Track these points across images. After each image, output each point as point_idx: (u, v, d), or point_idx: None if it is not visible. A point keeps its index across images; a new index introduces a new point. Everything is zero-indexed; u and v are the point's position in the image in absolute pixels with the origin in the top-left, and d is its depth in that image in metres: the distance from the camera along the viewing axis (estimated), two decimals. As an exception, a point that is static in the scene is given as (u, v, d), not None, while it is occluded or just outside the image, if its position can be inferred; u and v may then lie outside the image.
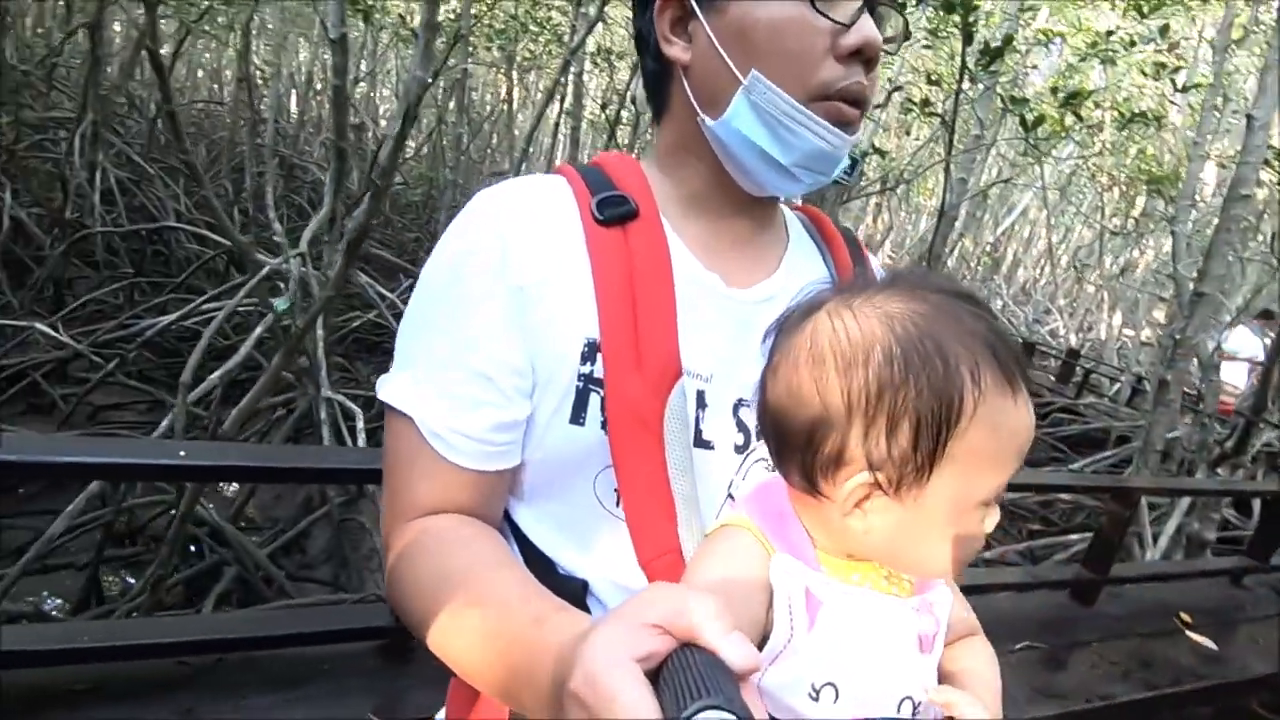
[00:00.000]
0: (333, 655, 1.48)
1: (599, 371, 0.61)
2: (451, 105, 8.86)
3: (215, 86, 13.85)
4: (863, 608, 0.54)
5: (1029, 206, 13.75)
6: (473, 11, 6.31)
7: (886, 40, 0.66)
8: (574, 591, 0.62)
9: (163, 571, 2.76)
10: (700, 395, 0.64)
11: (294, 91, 12.29)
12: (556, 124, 9.86)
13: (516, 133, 10.76)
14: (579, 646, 0.41)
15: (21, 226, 5.30)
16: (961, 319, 0.52)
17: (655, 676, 0.39)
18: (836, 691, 0.52)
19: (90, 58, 5.09)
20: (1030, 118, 3.31)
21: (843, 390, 0.51)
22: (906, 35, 0.73)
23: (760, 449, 0.65)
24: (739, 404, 0.66)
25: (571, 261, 0.63)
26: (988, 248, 14.24)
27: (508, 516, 0.67)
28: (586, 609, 0.62)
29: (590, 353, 0.61)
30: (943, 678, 0.60)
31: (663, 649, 0.40)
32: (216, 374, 3.32)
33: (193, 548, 3.31)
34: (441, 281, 0.63)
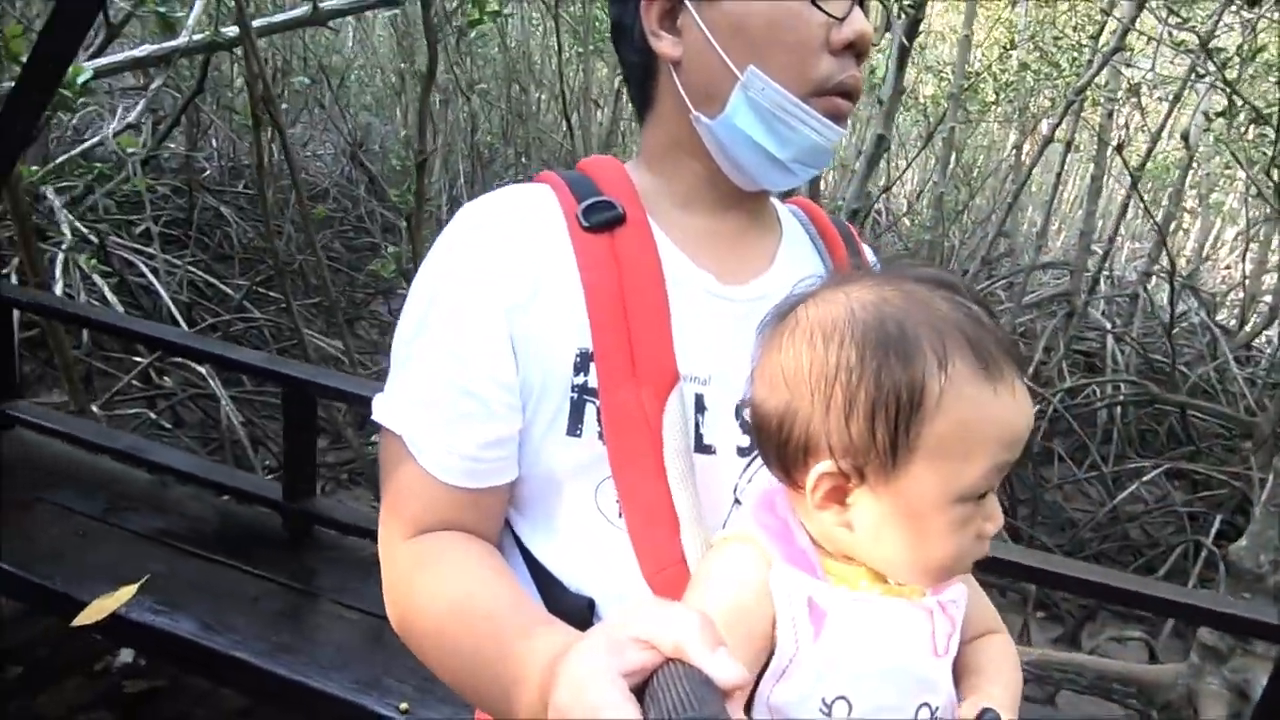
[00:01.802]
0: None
1: (593, 381, 0.60)
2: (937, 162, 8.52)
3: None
4: (871, 614, 0.52)
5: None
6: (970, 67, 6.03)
7: None
8: (580, 610, 0.60)
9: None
10: (699, 399, 0.62)
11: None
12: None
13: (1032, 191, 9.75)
14: (565, 660, 0.42)
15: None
16: (935, 305, 0.50)
17: (641, 692, 0.39)
18: (849, 705, 0.50)
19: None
20: None
21: (806, 376, 0.51)
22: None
23: None
24: (741, 405, 0.63)
25: (559, 271, 0.62)
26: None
27: (513, 532, 0.66)
28: (592, 626, 0.60)
29: (583, 363, 0.60)
30: (959, 677, 0.57)
31: (649, 664, 0.39)
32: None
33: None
34: (429, 298, 0.63)
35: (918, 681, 0.53)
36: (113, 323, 2.31)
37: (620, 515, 0.60)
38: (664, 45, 0.64)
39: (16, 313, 3.44)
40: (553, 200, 0.65)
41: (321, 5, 3.22)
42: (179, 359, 3.83)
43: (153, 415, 3.97)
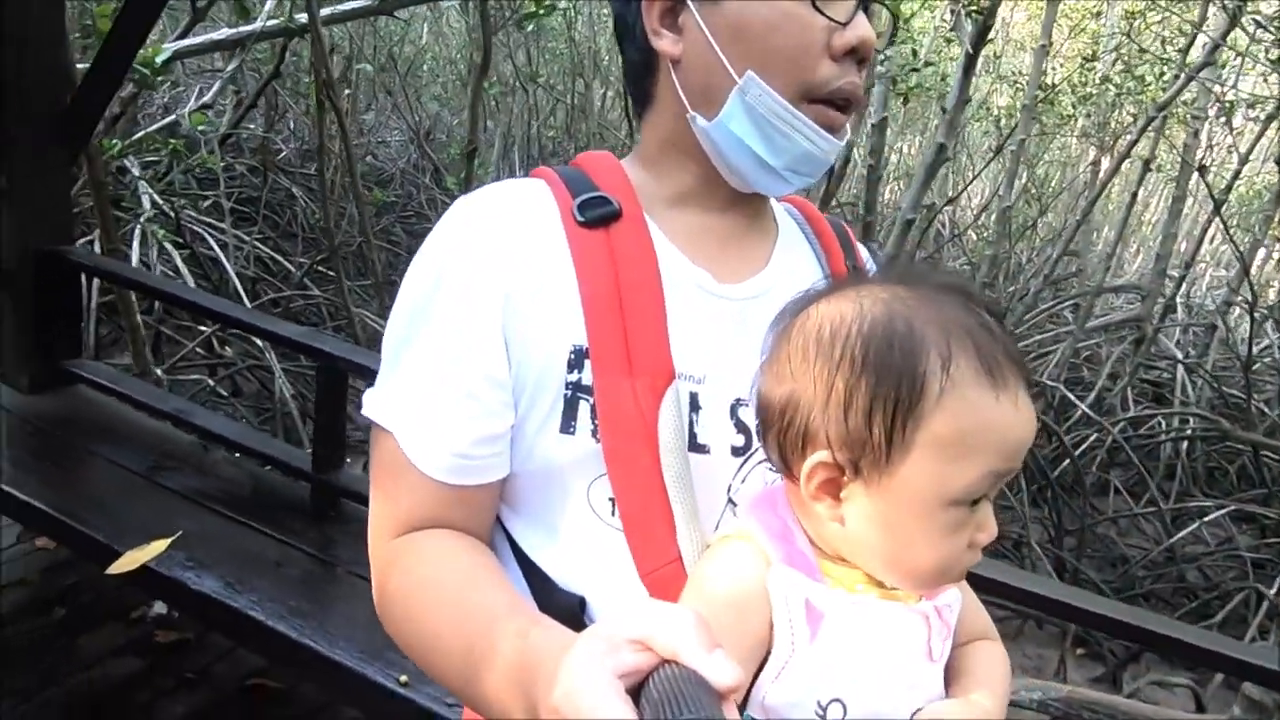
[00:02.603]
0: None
1: (587, 379, 0.59)
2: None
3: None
4: (867, 618, 0.52)
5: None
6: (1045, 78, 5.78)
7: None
8: (571, 608, 0.60)
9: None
10: (694, 397, 0.61)
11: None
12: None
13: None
14: (560, 661, 0.41)
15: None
16: (946, 309, 0.51)
17: (637, 693, 0.39)
18: (844, 707, 0.50)
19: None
20: None
21: (811, 366, 0.51)
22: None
23: (761, 451, 0.61)
24: (736, 404, 0.62)
25: (554, 267, 0.61)
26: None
27: (505, 529, 0.65)
28: (584, 625, 0.59)
29: (577, 360, 0.60)
30: (949, 680, 0.57)
31: (644, 665, 0.39)
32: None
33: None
34: (421, 292, 0.62)
35: (912, 685, 0.53)
36: (158, 287, 2.43)
37: (614, 513, 0.59)
38: (664, 43, 0.63)
39: (97, 280, 3.67)
40: (548, 195, 0.64)
41: (390, -5, 3.33)
42: (236, 331, 4.00)
43: (211, 382, 4.16)
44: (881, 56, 3.98)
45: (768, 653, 0.51)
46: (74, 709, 1.79)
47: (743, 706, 0.51)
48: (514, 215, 0.63)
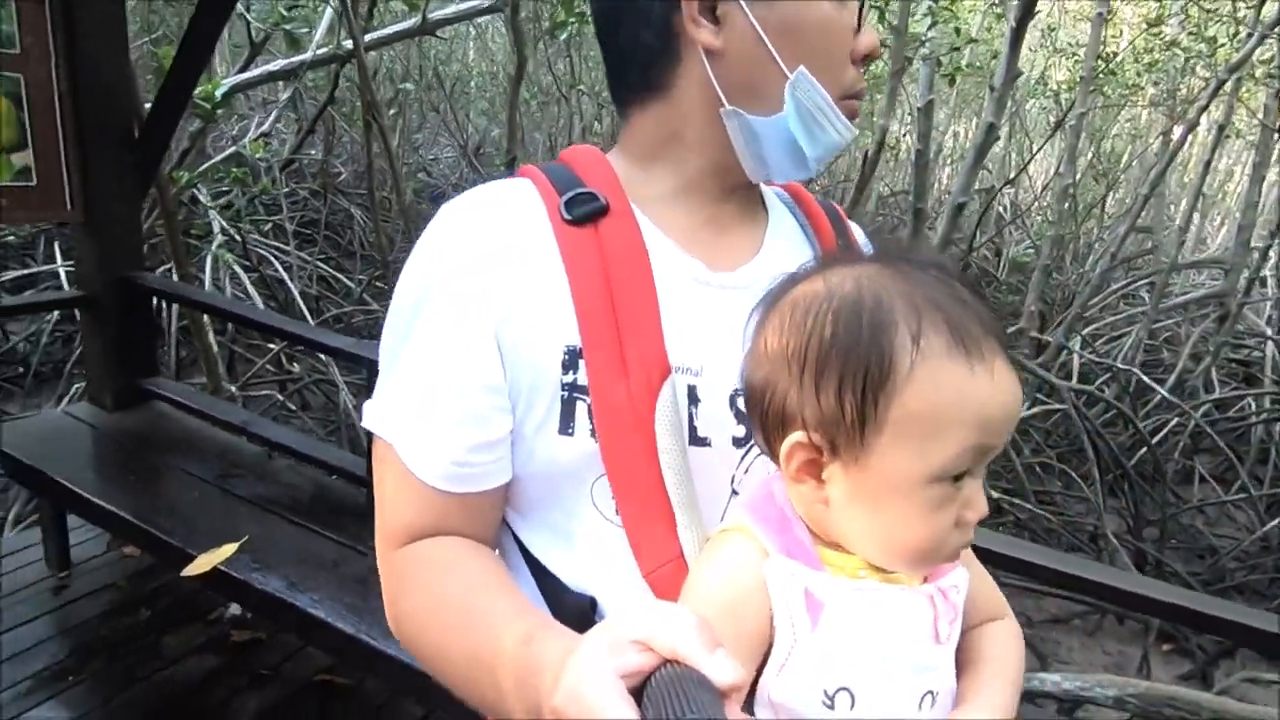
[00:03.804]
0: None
1: (583, 378, 0.59)
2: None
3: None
4: (869, 603, 0.51)
5: None
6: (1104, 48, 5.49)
7: None
8: (582, 609, 0.60)
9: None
10: (691, 390, 0.61)
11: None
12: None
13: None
14: (564, 663, 0.42)
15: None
16: (916, 283, 0.50)
17: (639, 693, 0.39)
18: (852, 696, 0.50)
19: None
20: None
21: (784, 345, 0.51)
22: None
23: None
24: (736, 395, 0.62)
25: (544, 267, 0.60)
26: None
27: (514, 534, 0.66)
28: (594, 625, 0.60)
29: (572, 360, 0.59)
30: (960, 667, 0.56)
31: (647, 665, 0.39)
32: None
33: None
34: (412, 301, 0.62)
35: (919, 669, 0.52)
36: (217, 305, 2.59)
37: (617, 512, 0.59)
38: (704, 34, 0.62)
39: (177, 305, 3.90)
40: (534, 194, 0.64)
41: (430, 16, 3.44)
42: (302, 348, 4.18)
43: (280, 397, 4.37)
44: (924, 37, 3.88)
45: (771, 646, 0.50)
46: (156, 703, 1.91)
47: (751, 706, 0.51)
48: (500, 217, 0.62)
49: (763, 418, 0.53)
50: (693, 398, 0.61)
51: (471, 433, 0.59)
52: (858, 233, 0.75)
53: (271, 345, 4.57)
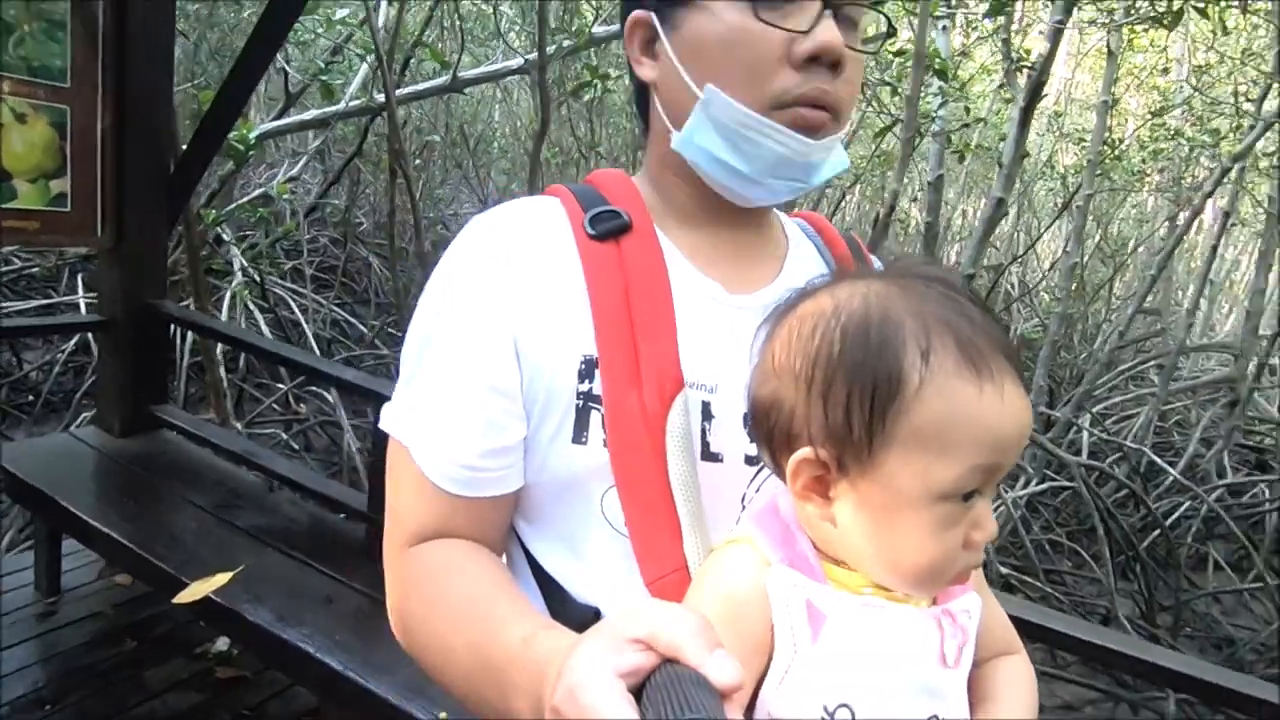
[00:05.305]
0: None
1: (598, 388, 0.59)
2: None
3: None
4: (872, 620, 0.50)
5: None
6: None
7: (868, 40, 0.63)
8: (586, 619, 0.59)
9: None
10: (705, 406, 0.61)
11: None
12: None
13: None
14: (564, 662, 0.42)
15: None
16: (926, 300, 0.50)
17: (639, 693, 0.39)
18: (852, 713, 0.48)
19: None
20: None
21: (791, 361, 0.51)
22: (890, 32, 0.68)
23: None
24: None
25: (565, 279, 0.62)
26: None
27: (520, 541, 0.66)
28: None
29: (588, 370, 0.60)
30: (973, 702, 0.55)
31: (646, 665, 0.39)
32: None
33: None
34: (437, 307, 0.64)
35: (925, 691, 0.51)
36: (232, 334, 2.63)
37: (626, 525, 0.59)
38: (645, 70, 0.67)
39: (190, 337, 3.96)
40: (560, 210, 0.66)
41: (461, 74, 3.60)
42: (311, 388, 4.20)
43: (285, 436, 4.37)
44: (935, 115, 4.02)
45: (771, 661, 0.49)
46: (135, 737, 1.85)
47: (751, 718, 0.50)
48: (526, 229, 0.64)
49: (769, 433, 0.53)
50: (706, 414, 0.61)
51: (484, 438, 0.60)
52: (878, 265, 0.76)
53: (280, 385, 4.60)
